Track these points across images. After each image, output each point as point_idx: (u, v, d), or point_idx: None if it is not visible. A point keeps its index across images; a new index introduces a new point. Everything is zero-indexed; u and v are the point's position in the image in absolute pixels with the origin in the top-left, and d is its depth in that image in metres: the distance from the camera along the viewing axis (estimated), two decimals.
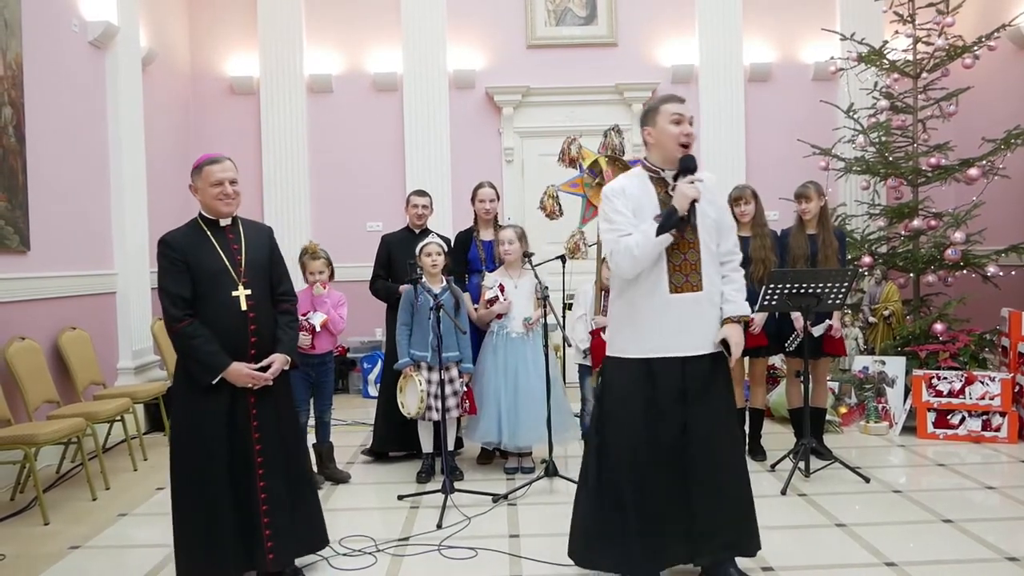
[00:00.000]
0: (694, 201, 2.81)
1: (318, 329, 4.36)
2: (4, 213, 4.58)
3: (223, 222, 3.14)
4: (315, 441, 4.50)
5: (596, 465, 2.97)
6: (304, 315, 4.33)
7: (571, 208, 4.97)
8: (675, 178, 2.90)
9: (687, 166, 2.87)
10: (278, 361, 3.11)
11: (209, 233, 3.11)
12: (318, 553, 3.31)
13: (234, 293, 3.05)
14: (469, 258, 4.86)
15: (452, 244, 4.89)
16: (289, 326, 3.25)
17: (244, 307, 3.06)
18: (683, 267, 2.88)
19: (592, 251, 4.80)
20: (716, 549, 2.91)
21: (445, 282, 4.37)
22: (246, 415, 3.04)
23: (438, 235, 4.66)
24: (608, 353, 3.06)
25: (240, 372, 3.00)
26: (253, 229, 3.24)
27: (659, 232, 2.80)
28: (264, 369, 3.06)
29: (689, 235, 2.89)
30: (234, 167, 3.13)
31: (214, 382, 2.98)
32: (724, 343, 2.93)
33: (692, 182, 2.82)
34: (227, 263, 3.07)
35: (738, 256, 3.08)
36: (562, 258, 4.80)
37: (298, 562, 3.23)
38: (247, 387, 3.03)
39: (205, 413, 3.00)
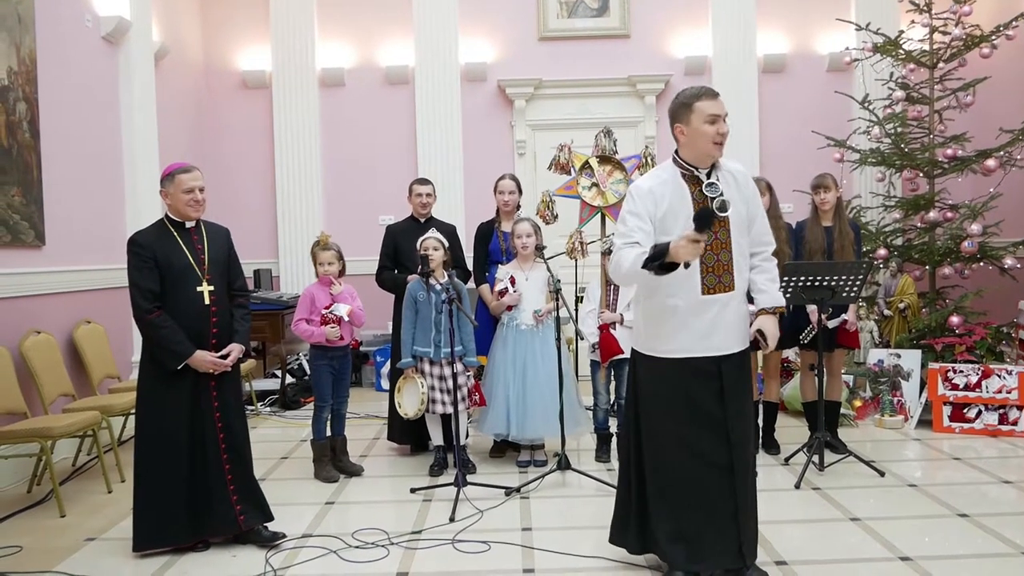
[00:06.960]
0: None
1: (345, 319, 4.39)
2: (19, 208, 4.61)
3: (188, 224, 3.45)
4: (330, 434, 4.53)
5: (637, 461, 2.97)
6: (328, 308, 4.36)
7: (572, 211, 4.96)
8: (695, 219, 2.60)
9: (702, 217, 2.56)
10: (235, 350, 3.45)
11: (176, 234, 3.42)
12: (328, 547, 3.40)
13: (199, 288, 3.37)
14: (490, 249, 4.88)
15: (455, 232, 4.94)
16: (244, 319, 3.57)
17: (207, 301, 3.39)
18: (716, 268, 2.82)
19: (592, 248, 4.80)
20: (750, 555, 2.90)
21: (447, 276, 4.36)
22: (208, 397, 3.37)
23: (440, 225, 4.71)
24: (638, 350, 3.00)
25: (203, 359, 3.33)
26: (213, 230, 3.55)
27: (645, 264, 2.62)
28: (224, 357, 3.39)
29: (722, 235, 2.81)
30: (201, 176, 3.44)
31: (179, 367, 3.29)
32: (760, 334, 2.90)
33: (697, 240, 2.52)
34: (192, 261, 3.39)
35: (770, 244, 2.99)
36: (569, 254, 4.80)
37: (311, 556, 3.33)
38: (208, 372, 3.34)
39: (169, 395, 3.32)
